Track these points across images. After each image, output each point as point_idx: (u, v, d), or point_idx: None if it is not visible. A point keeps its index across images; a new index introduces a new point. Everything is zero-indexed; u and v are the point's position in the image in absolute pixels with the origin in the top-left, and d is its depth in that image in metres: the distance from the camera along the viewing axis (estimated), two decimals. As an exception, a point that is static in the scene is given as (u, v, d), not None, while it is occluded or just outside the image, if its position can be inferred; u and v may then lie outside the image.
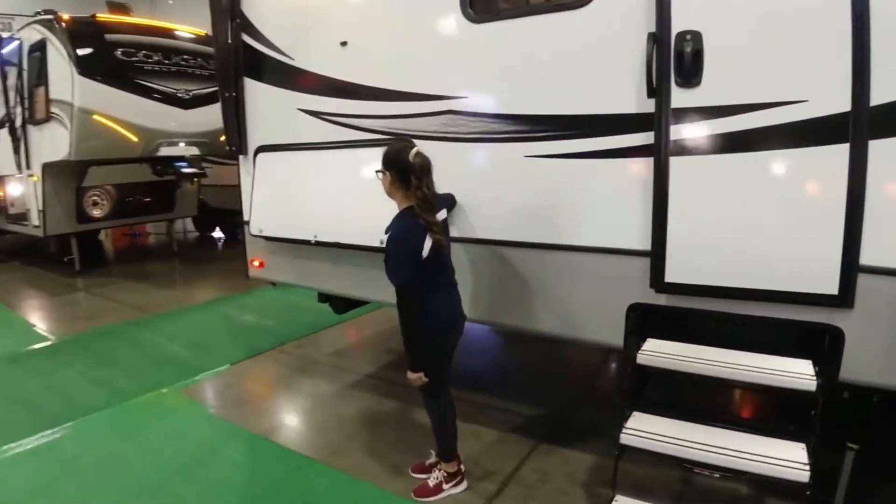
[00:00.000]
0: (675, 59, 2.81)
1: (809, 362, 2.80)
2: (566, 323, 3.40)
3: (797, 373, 2.73)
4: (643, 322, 3.16)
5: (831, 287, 2.67)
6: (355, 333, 6.19)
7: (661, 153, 2.90)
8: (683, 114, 2.83)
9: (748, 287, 2.84)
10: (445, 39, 3.62)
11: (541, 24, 3.24)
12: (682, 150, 2.85)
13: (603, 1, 3.03)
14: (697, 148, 2.82)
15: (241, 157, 4.80)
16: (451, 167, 3.54)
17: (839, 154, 2.57)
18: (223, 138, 4.77)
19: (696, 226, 2.87)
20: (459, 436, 3.39)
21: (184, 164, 8.93)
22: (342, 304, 4.83)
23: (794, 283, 2.74)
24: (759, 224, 2.76)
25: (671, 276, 2.98)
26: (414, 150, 2.89)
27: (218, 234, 12.33)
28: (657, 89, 2.88)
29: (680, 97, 2.84)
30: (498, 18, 3.42)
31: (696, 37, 2.77)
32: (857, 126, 2.52)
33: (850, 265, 2.61)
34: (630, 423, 2.95)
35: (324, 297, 4.85)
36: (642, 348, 3.03)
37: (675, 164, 2.88)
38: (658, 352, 2.99)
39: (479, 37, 3.46)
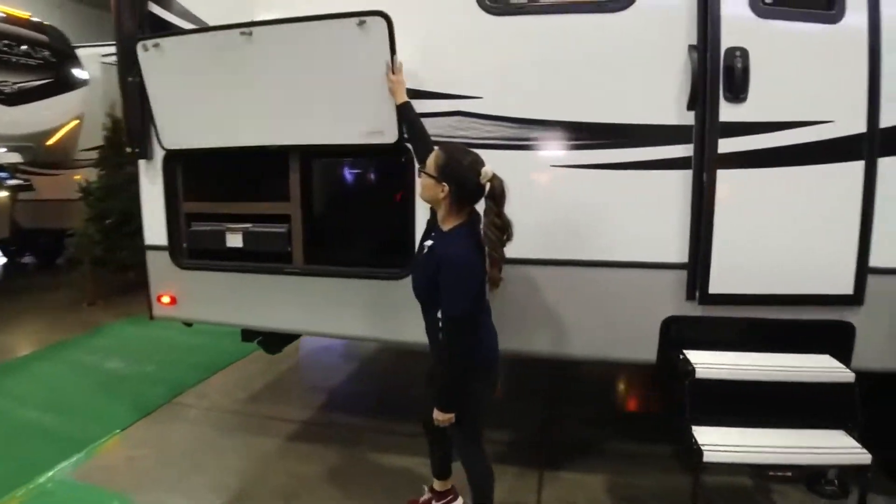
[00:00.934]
0: (724, 73, 2.94)
1: (828, 356, 3.12)
2: (597, 344, 3.35)
3: (833, 367, 3.05)
4: (678, 335, 3.24)
5: (847, 287, 3.07)
6: (264, 369, 5.40)
7: (705, 166, 3.02)
8: (730, 128, 2.99)
9: (779, 293, 3.10)
10: (456, 30, 3.28)
11: (574, 24, 3.16)
12: (728, 163, 3.00)
13: (643, 8, 3.06)
14: (742, 161, 3.00)
15: (142, 161, 3.87)
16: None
17: (857, 170, 2.97)
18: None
19: (739, 237, 3.05)
20: (456, 474, 3.16)
21: (3, 174, 7.05)
22: (279, 342, 4.17)
23: (816, 286, 3.08)
24: (791, 234, 3.05)
25: (715, 287, 3.11)
26: (488, 169, 2.49)
27: (28, 258, 10.13)
28: (703, 102, 2.99)
29: (727, 111, 2.98)
30: (522, 13, 3.25)
31: (745, 53, 2.94)
32: (870, 145, 2.93)
33: (863, 267, 3.01)
34: (701, 438, 2.97)
35: (250, 335, 4.13)
36: (695, 362, 3.10)
37: (721, 176, 3.02)
38: (713, 363, 3.09)
39: (499, 31, 3.23)
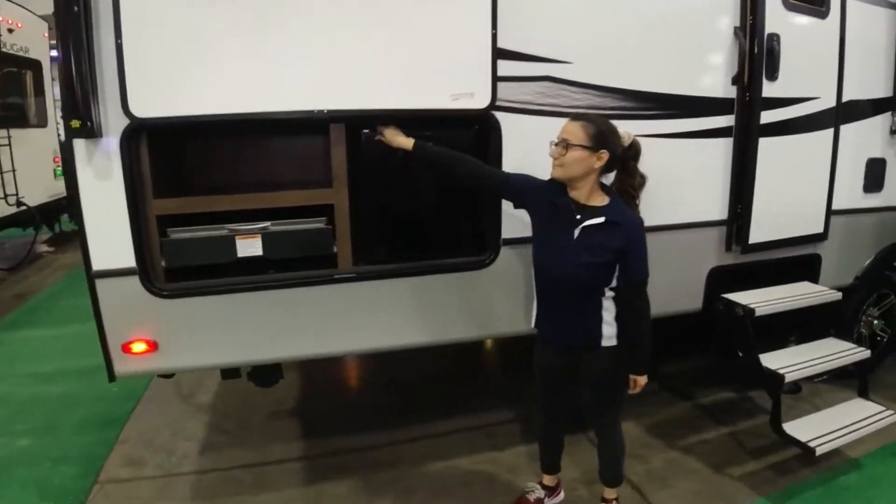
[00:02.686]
0: (766, 55, 3.43)
1: (806, 282, 3.98)
2: (658, 303, 3.56)
3: (825, 290, 3.90)
4: (718, 283, 3.71)
5: (819, 227, 3.93)
6: (184, 407, 4.22)
7: (750, 133, 3.50)
8: (768, 102, 3.51)
9: (786, 237, 3.82)
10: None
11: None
12: (765, 131, 3.53)
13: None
14: (774, 130, 3.56)
15: (80, 143, 2.63)
16: (543, 150, 3.13)
17: (829, 135, 3.82)
18: None
19: (771, 194, 3.62)
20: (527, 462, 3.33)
21: None
22: (278, 370, 3.33)
23: (805, 228, 3.89)
24: (795, 189, 3.77)
25: (754, 237, 3.66)
26: (623, 130, 2.62)
27: None
28: (749, 79, 3.42)
29: (767, 88, 3.49)
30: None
31: (778, 38, 3.46)
32: (836, 116, 3.80)
33: (829, 210, 3.91)
34: (771, 364, 3.46)
35: (234, 371, 3.22)
36: (745, 302, 3.58)
37: (762, 144, 3.54)
38: (758, 301, 3.62)
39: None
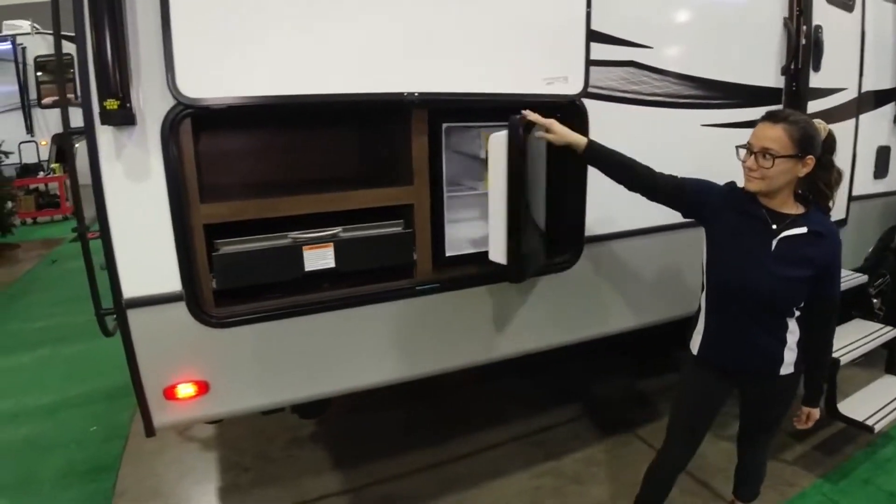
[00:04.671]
0: (813, 46, 3.17)
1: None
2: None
3: (855, 274, 3.77)
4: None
5: (843, 213, 3.77)
6: (181, 447, 3.36)
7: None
8: (813, 92, 3.26)
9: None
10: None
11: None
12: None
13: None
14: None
15: (107, 133, 1.89)
16: (628, 138, 2.68)
17: (853, 125, 3.69)
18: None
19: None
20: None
21: None
22: (328, 401, 2.66)
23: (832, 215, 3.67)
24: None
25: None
26: (818, 121, 2.05)
27: None
28: (799, 69, 3.14)
29: (813, 78, 3.24)
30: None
31: (821, 30, 3.22)
32: (857, 106, 3.68)
33: (850, 197, 3.78)
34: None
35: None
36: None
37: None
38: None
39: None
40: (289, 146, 2.51)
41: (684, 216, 2.16)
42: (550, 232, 2.56)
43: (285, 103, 1.99)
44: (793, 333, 2.07)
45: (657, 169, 2.14)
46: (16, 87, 10.28)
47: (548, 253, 2.57)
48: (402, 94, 2.10)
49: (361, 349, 2.30)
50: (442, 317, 2.40)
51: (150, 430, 2.04)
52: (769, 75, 3.09)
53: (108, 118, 1.77)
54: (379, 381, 2.37)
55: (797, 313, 2.05)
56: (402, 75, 2.12)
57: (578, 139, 2.16)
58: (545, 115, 2.17)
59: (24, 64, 10.25)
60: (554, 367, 4.15)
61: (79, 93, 1.81)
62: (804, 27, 3.06)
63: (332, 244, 2.17)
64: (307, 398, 2.31)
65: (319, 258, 2.17)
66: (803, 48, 3.08)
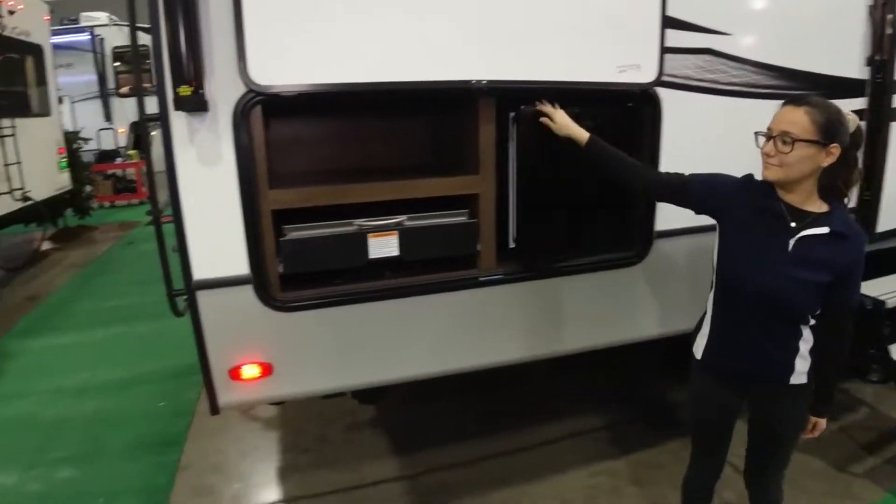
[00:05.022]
0: None
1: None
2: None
3: None
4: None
5: None
6: (270, 422, 3.45)
7: (881, 117, 2.96)
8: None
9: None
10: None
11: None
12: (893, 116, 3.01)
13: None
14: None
15: (180, 120, 1.90)
16: (703, 129, 2.52)
17: None
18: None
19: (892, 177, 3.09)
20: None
21: None
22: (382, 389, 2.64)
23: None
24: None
25: (882, 225, 3.14)
26: (848, 112, 1.80)
27: None
28: (883, 60, 2.88)
29: None
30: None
31: None
32: None
33: None
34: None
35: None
36: (873, 294, 3.05)
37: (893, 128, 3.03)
38: (890, 291, 3.10)
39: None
40: (356, 134, 2.51)
41: (696, 213, 1.98)
42: (619, 225, 2.46)
43: (353, 91, 1.97)
44: (806, 341, 1.85)
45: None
46: (94, 77, 10.71)
47: (615, 247, 2.48)
48: (469, 81, 2.05)
49: (423, 339, 2.27)
50: (505, 309, 2.34)
51: (214, 409, 2.07)
52: (852, 66, 2.86)
53: (181, 104, 1.79)
54: (439, 370, 2.34)
55: (812, 321, 1.84)
56: (470, 63, 2.06)
57: (580, 133, 2.08)
58: (610, 106, 2.08)
59: (102, 54, 10.67)
60: (620, 365, 4.02)
61: (154, 81, 1.83)
62: (890, 16, 2.82)
63: (396, 232, 2.15)
64: (367, 385, 2.30)
65: (383, 246, 2.15)
66: (889, 38, 2.84)
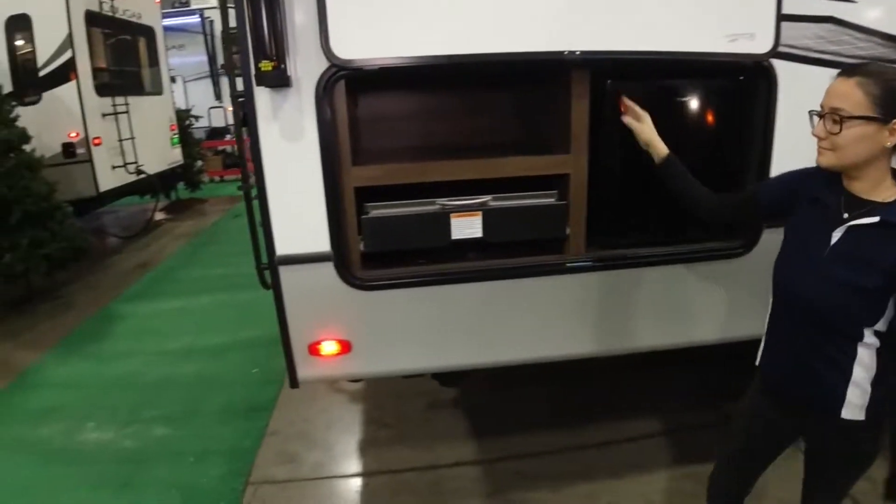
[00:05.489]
0: None
1: None
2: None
3: None
4: None
5: None
6: (355, 395, 3.48)
7: None
8: None
9: None
10: None
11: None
12: None
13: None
14: None
15: (263, 96, 1.85)
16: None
17: None
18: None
19: None
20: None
21: None
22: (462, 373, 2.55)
23: None
24: None
25: None
26: None
27: None
28: None
29: None
30: None
31: None
32: None
33: None
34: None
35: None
36: None
37: None
38: None
39: None
40: (439, 110, 2.40)
41: (770, 222, 1.77)
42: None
43: (437, 64, 1.86)
44: (864, 367, 1.47)
45: None
46: (205, 58, 11.24)
47: (718, 236, 2.25)
48: (562, 53, 1.88)
49: (505, 324, 2.16)
50: (593, 298, 2.18)
51: (294, 382, 2.06)
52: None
53: (262, 79, 1.76)
54: (520, 358, 2.22)
55: (871, 338, 1.46)
56: (562, 32, 1.89)
57: (661, 147, 1.85)
58: (726, 79, 1.84)
59: (212, 35, 11.15)
60: (719, 363, 3.74)
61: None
62: None
63: (480, 213, 2.04)
64: (445, 368, 2.22)
65: (467, 227, 2.04)
66: None
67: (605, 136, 2.07)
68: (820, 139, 1.43)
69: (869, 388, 1.48)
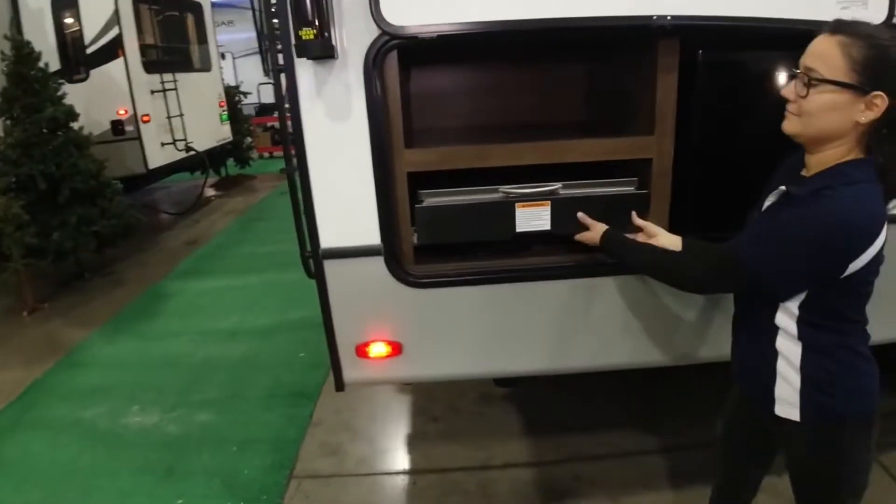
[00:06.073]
0: None
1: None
2: None
3: None
4: None
5: None
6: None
7: None
8: None
9: None
10: None
11: None
12: None
13: None
14: None
15: (306, 68, 1.60)
16: None
17: None
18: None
19: None
20: None
21: None
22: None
23: None
24: None
25: None
26: None
27: None
28: None
29: None
30: None
31: None
32: None
33: None
34: None
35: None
36: None
37: None
38: None
39: None
40: (501, 85, 2.11)
41: None
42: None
43: (503, 30, 1.57)
44: (790, 343, 1.26)
45: None
46: (254, 34, 11.05)
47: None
48: (649, 18, 1.56)
49: (575, 327, 1.89)
50: (679, 301, 1.88)
51: (339, 385, 1.86)
52: None
53: (304, 50, 1.51)
54: (593, 365, 1.96)
55: (783, 318, 1.26)
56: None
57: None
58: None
59: (261, 11, 10.92)
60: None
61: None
62: None
63: (549, 203, 1.75)
64: (506, 374, 1.98)
65: (533, 218, 1.77)
66: None
67: (695, 116, 1.74)
68: (790, 102, 1.21)
69: (799, 376, 1.26)
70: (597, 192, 1.79)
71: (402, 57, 1.67)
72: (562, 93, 2.18)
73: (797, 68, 1.19)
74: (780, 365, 1.29)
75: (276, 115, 7.87)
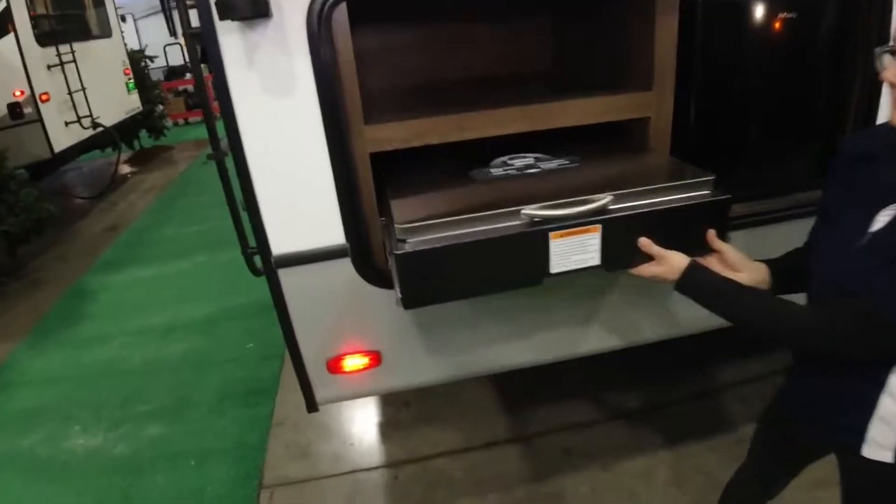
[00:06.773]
0: None
1: None
2: None
3: None
4: None
5: None
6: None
7: None
8: None
9: None
10: None
11: None
12: None
13: None
14: None
15: (237, 27, 1.21)
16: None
17: None
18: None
19: None
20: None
21: None
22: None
23: None
24: None
25: None
26: None
27: None
28: None
29: None
30: None
31: None
32: None
33: None
34: None
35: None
36: None
37: None
38: None
39: None
40: (451, 36, 1.75)
41: None
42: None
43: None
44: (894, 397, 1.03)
45: None
46: (155, -9, 9.89)
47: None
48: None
49: (584, 315, 1.65)
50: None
51: (311, 406, 1.56)
52: None
53: (227, 9, 1.11)
54: (594, 349, 1.73)
55: None
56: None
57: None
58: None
59: (163, -35, 9.78)
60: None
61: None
62: None
63: (598, 227, 1.21)
64: (499, 370, 1.71)
65: (576, 251, 1.22)
66: None
67: (697, 66, 1.46)
68: (893, 85, 0.93)
69: None
70: (663, 204, 1.26)
71: (351, 10, 1.29)
72: (529, 41, 1.85)
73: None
74: (885, 402, 1.04)
75: (187, 77, 7.12)
